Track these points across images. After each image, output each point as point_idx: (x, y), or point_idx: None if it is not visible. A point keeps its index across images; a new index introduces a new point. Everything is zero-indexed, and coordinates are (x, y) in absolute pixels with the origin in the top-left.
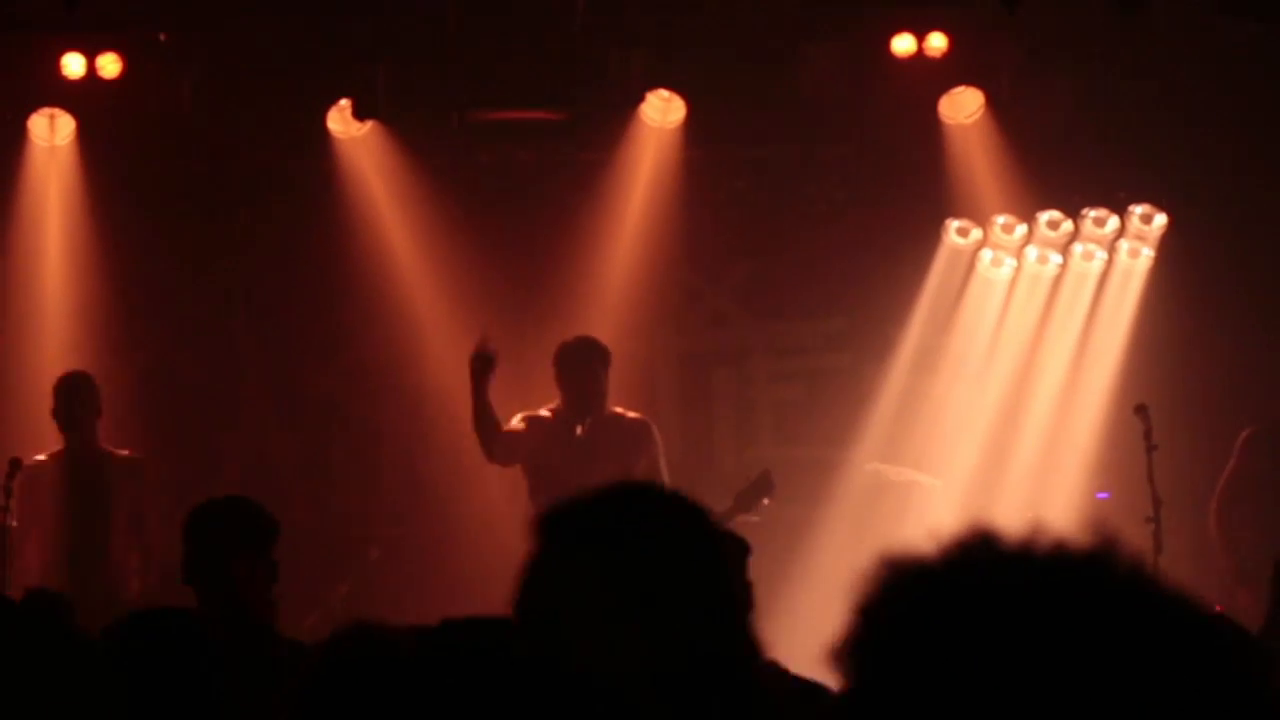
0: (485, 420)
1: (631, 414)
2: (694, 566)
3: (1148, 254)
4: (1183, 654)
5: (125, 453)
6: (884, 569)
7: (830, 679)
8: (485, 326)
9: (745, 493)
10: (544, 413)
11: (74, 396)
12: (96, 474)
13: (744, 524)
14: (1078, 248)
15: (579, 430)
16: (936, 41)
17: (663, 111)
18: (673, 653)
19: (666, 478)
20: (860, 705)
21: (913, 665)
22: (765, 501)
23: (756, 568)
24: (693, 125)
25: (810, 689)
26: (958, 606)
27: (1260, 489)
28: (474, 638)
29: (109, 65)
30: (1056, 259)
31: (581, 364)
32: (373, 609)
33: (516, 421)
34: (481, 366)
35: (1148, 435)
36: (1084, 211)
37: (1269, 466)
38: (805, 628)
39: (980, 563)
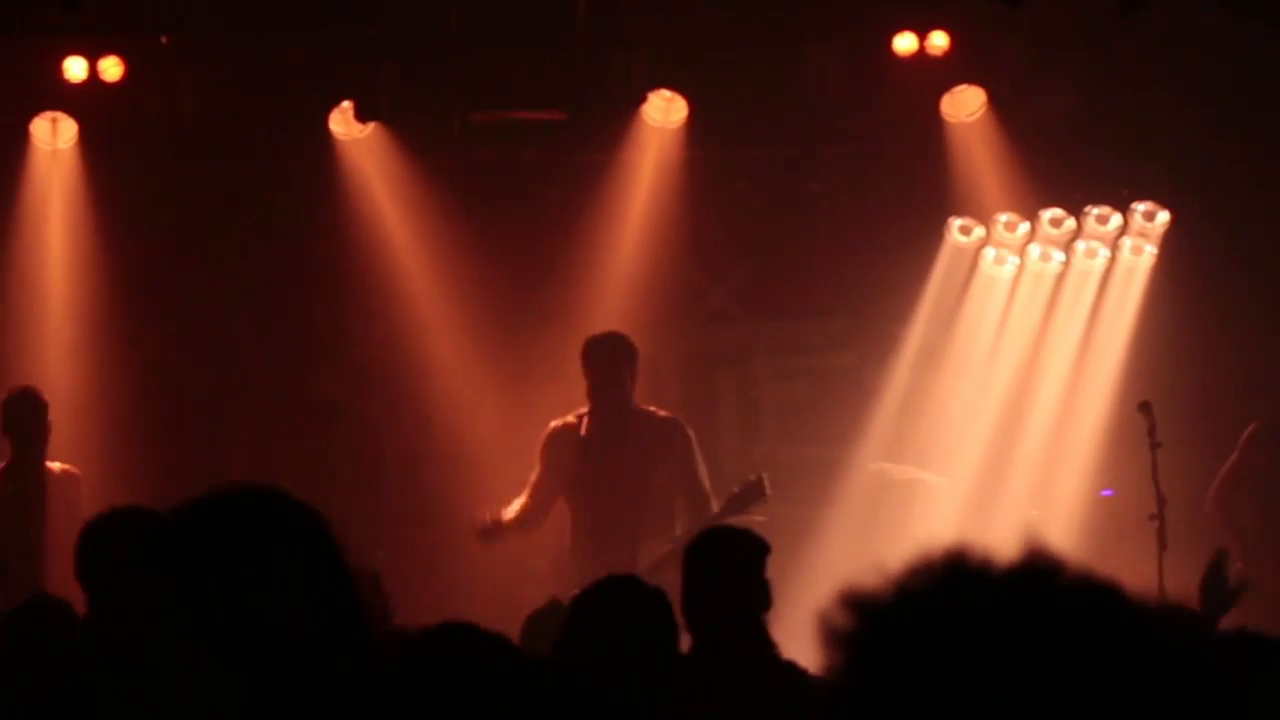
0: (521, 529)
1: (662, 412)
2: (289, 575)
3: (1150, 251)
4: (1140, 662)
5: (60, 467)
6: (844, 609)
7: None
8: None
9: (736, 497)
10: (570, 419)
11: (21, 412)
12: (35, 488)
13: (749, 523)
14: (1080, 245)
15: (597, 426)
16: (938, 40)
17: (665, 112)
18: (264, 662)
19: (703, 475)
20: None
21: (887, 699)
22: (755, 507)
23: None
24: (695, 125)
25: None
26: (921, 643)
27: (1263, 484)
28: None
29: (111, 68)
30: (1059, 256)
31: (601, 359)
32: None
33: (536, 470)
34: (486, 539)
35: (1152, 432)
36: (1087, 209)
37: (1272, 462)
38: (812, 627)
39: (937, 593)
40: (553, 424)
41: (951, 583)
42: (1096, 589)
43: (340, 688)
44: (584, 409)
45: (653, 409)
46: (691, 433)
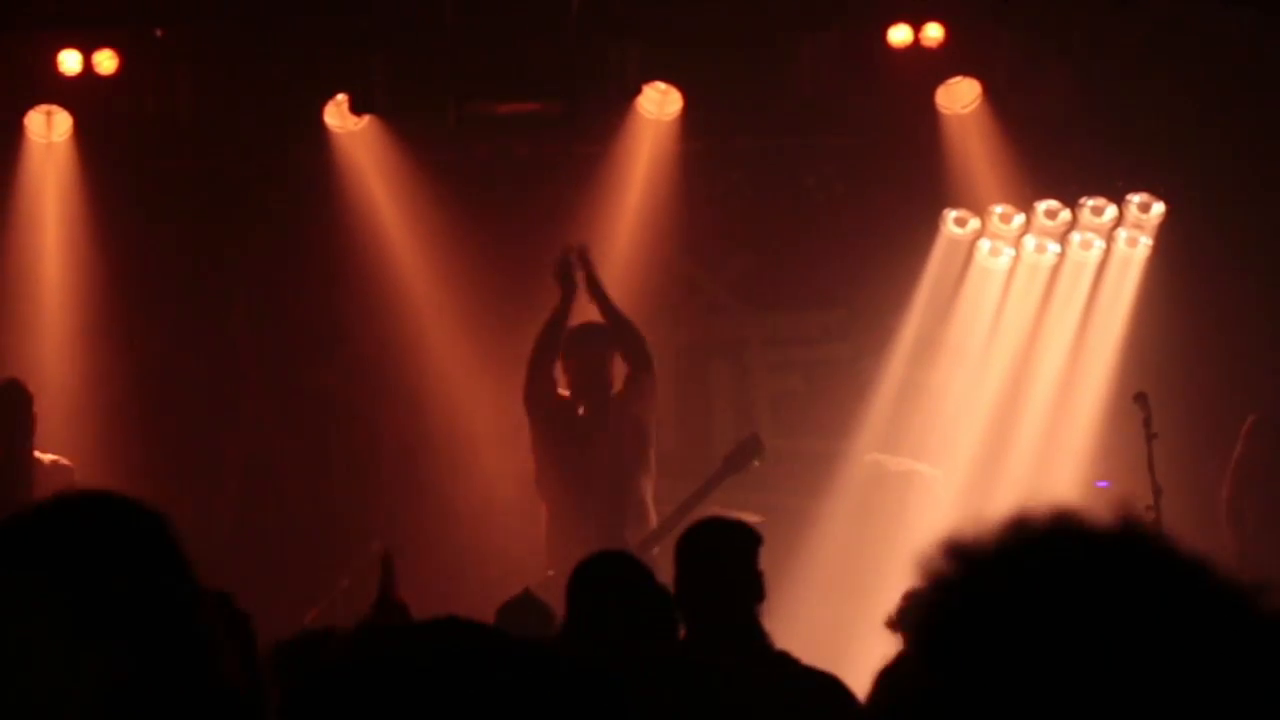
0: (551, 327)
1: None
2: (137, 587)
3: (1146, 243)
4: (1232, 628)
5: (51, 458)
6: (946, 555)
7: (836, 670)
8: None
9: (733, 455)
10: (565, 393)
11: (6, 404)
12: (22, 480)
13: (743, 514)
14: (1076, 237)
15: (580, 413)
16: (933, 32)
17: (659, 104)
18: (117, 676)
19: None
20: (938, 690)
21: (987, 650)
22: (755, 463)
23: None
24: (690, 117)
25: (820, 679)
26: (1022, 591)
27: (1265, 475)
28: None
29: (105, 61)
30: (1055, 248)
31: (584, 348)
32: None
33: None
34: (561, 272)
35: (1147, 423)
36: (1082, 201)
37: (1273, 453)
38: (807, 619)
39: (1038, 546)
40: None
41: (1055, 538)
42: (1191, 558)
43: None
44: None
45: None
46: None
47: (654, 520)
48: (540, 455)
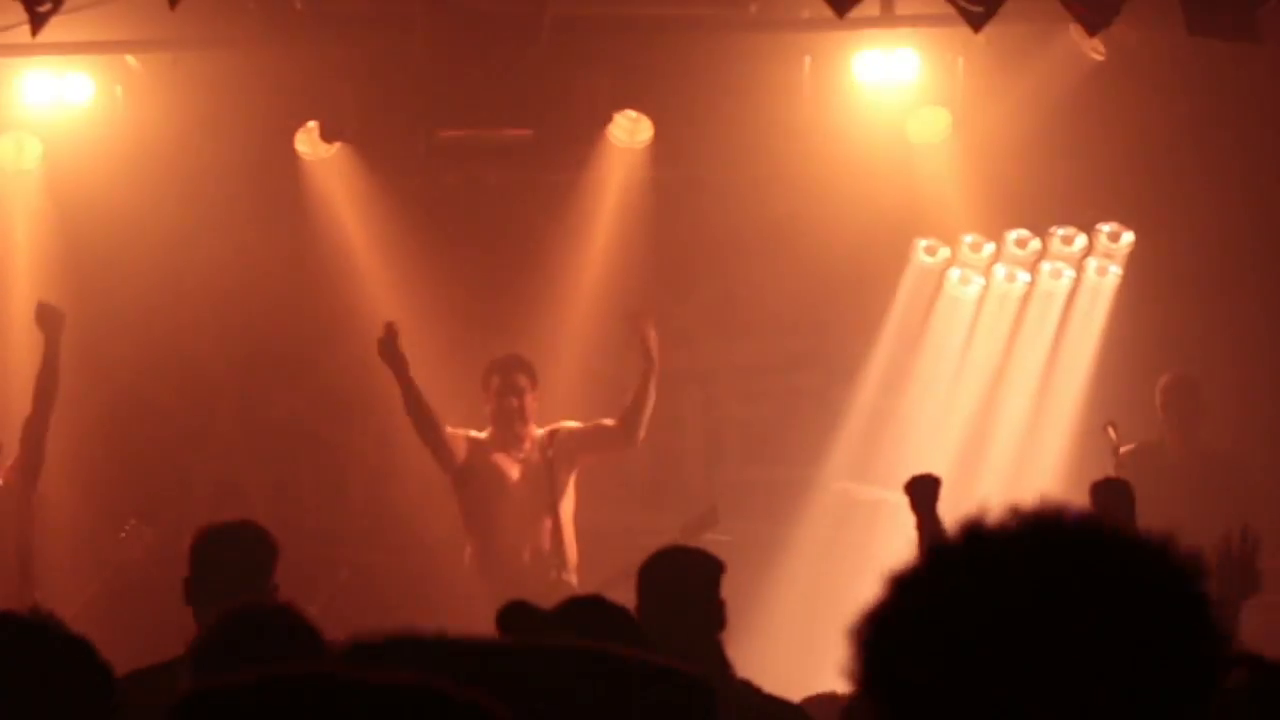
0: (412, 408)
1: (549, 427)
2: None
3: (1115, 272)
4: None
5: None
6: (883, 583)
7: (800, 696)
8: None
9: (688, 524)
10: (480, 435)
11: None
12: None
13: (714, 542)
14: (1046, 266)
15: (508, 451)
16: (903, 61)
17: (630, 132)
18: None
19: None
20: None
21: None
22: (706, 535)
23: (726, 587)
24: (660, 145)
25: (782, 707)
26: (946, 598)
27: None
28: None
29: (76, 89)
30: (1025, 277)
31: (503, 378)
32: (342, 630)
33: (455, 430)
34: (385, 352)
35: (1116, 452)
36: (1052, 230)
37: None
38: (775, 647)
39: (962, 553)
40: (475, 433)
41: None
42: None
43: None
44: (487, 431)
45: (545, 428)
46: (570, 422)
47: (573, 548)
48: (462, 500)
